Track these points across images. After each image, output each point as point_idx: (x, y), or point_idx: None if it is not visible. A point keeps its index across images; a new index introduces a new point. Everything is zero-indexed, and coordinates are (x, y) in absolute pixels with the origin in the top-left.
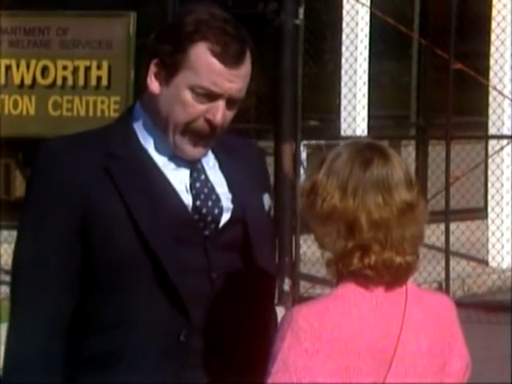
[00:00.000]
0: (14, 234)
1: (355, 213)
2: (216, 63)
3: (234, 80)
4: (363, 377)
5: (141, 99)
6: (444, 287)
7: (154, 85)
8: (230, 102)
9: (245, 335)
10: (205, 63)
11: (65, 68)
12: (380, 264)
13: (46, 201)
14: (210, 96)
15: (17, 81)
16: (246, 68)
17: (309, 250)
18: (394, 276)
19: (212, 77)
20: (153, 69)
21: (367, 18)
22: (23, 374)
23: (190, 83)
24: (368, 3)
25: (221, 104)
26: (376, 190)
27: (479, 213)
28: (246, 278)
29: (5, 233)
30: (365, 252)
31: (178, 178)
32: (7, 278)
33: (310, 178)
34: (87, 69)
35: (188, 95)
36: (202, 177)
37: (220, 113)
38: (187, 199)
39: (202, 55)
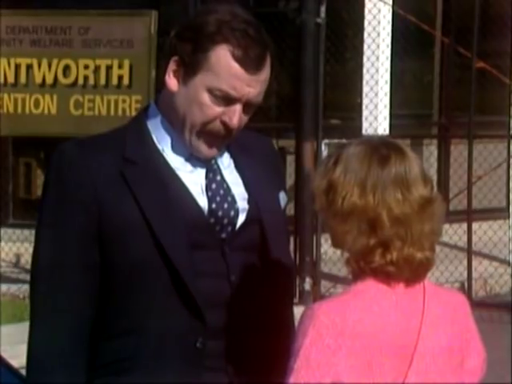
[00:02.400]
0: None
1: (376, 209)
2: (236, 67)
3: (253, 85)
4: (385, 373)
5: (157, 98)
6: (466, 287)
7: (172, 82)
8: (247, 106)
9: (264, 336)
10: (225, 66)
11: (86, 67)
12: (401, 260)
13: (62, 204)
14: (228, 99)
15: (38, 80)
16: (265, 73)
17: (330, 249)
18: (414, 272)
19: (231, 80)
20: (172, 66)
21: (389, 16)
22: (47, 374)
23: (209, 85)
24: (390, 1)
25: (238, 108)
26: (395, 186)
27: (501, 212)
28: (264, 278)
29: (26, 232)
30: (386, 248)
31: (194, 180)
32: (29, 277)
33: (324, 177)
34: (108, 68)
35: (206, 96)
36: (218, 177)
37: (236, 117)
38: (203, 202)
39: (223, 58)
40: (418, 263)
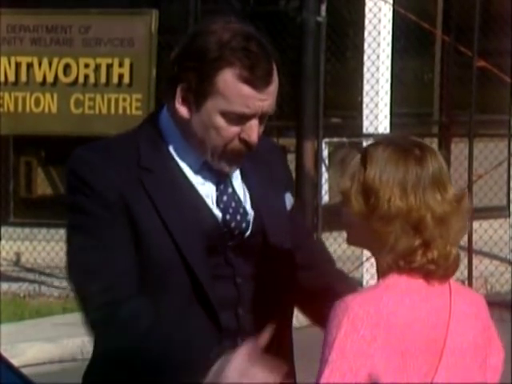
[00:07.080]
0: (35, 231)
1: (419, 211)
2: (246, 88)
3: (265, 98)
4: (418, 366)
5: (168, 110)
6: (467, 286)
7: (183, 110)
8: (262, 117)
9: (272, 335)
10: (234, 90)
11: (87, 66)
12: (441, 258)
13: (94, 207)
14: (243, 118)
15: (39, 78)
16: (274, 83)
17: (330, 248)
18: (448, 268)
19: (243, 101)
20: (180, 94)
21: (390, 15)
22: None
23: (222, 109)
24: (391, 0)
25: (254, 123)
26: (433, 186)
27: (502, 211)
28: (269, 280)
29: (26, 230)
30: (428, 247)
31: (205, 193)
32: (29, 276)
33: (353, 179)
34: (109, 66)
35: (220, 120)
36: (229, 190)
37: (255, 132)
38: (216, 213)
39: (230, 82)
40: (452, 260)
